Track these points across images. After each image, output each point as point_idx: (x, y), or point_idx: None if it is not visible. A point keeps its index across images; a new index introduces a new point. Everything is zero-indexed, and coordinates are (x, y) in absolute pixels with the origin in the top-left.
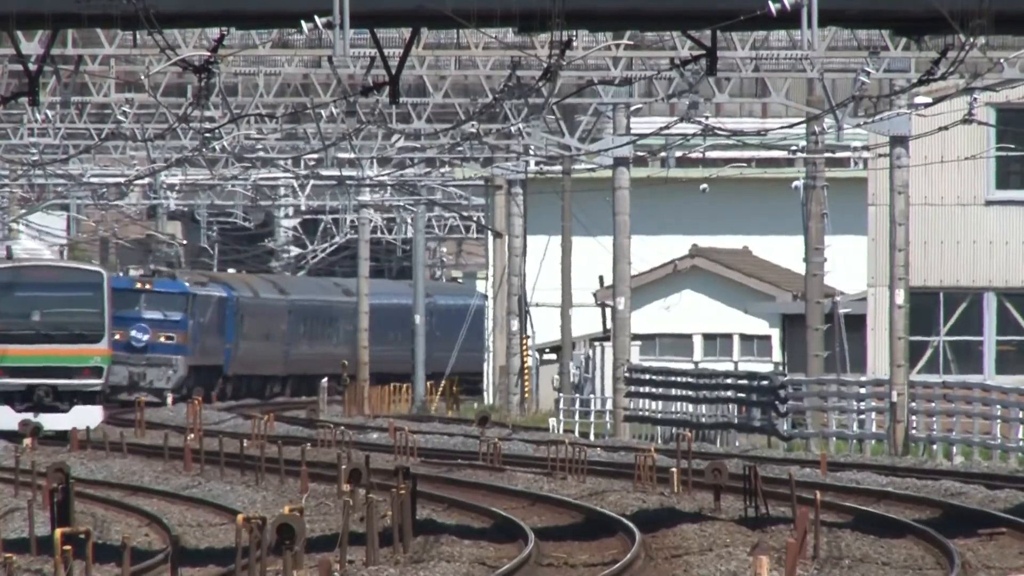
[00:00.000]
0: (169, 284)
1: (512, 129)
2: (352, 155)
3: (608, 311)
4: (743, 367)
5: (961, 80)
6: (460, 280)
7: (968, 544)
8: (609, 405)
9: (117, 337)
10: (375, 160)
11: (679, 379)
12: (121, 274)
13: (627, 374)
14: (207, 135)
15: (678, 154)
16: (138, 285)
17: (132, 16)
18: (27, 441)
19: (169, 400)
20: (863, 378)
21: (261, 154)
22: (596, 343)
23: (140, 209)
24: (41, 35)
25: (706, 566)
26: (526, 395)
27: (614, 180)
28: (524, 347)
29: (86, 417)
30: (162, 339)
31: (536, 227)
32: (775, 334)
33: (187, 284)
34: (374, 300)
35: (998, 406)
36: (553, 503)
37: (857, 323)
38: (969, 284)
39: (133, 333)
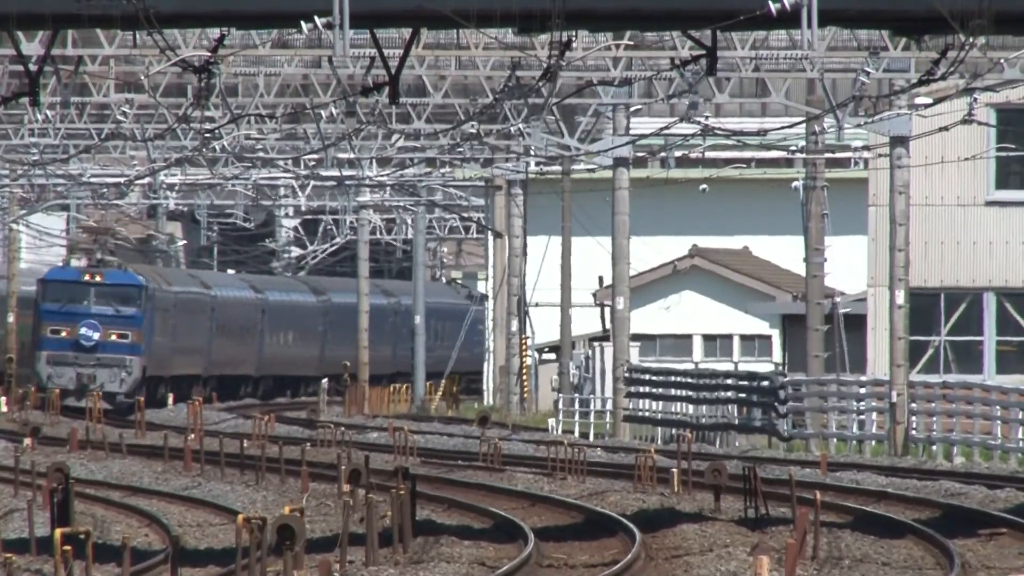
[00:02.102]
0: (121, 276)
1: (512, 129)
2: (352, 155)
3: (608, 311)
4: (743, 367)
5: (961, 80)
6: (459, 280)
7: (968, 544)
8: (609, 405)
9: (64, 334)
10: (375, 160)
11: (679, 379)
12: (60, 264)
13: (627, 374)
14: (207, 135)
15: (678, 154)
16: (86, 277)
17: (132, 16)
18: (27, 441)
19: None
20: (863, 378)
21: (261, 154)
22: (596, 343)
23: (140, 209)
24: (41, 35)
25: (706, 566)
26: (526, 395)
27: (614, 180)
28: (524, 347)
29: None
30: (114, 337)
31: (536, 227)
32: (775, 334)
33: (140, 276)
34: (228, 293)
35: (998, 406)
36: (553, 503)
37: (857, 323)
38: (969, 284)
39: (82, 330)
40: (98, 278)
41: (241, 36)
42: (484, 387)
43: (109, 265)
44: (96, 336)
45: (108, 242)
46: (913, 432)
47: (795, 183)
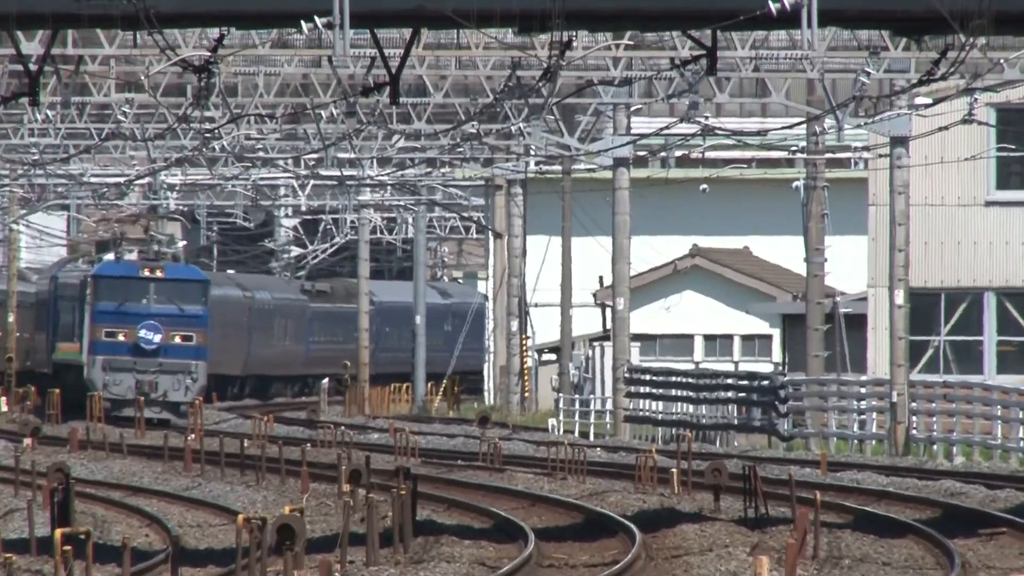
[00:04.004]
0: (183, 270)
1: (512, 129)
2: (352, 155)
3: (608, 311)
4: (743, 367)
5: (961, 80)
6: (460, 280)
7: (968, 544)
8: (609, 405)
9: (121, 337)
10: (375, 160)
11: (679, 379)
12: (112, 257)
13: (627, 374)
14: (207, 135)
15: (678, 154)
16: (145, 272)
17: (132, 16)
18: (27, 441)
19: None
20: (863, 378)
21: (261, 154)
22: (596, 343)
23: (140, 209)
24: (41, 35)
25: (706, 566)
26: (526, 395)
27: (614, 180)
28: (524, 347)
29: None
30: (177, 340)
31: (536, 227)
32: (775, 334)
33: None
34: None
35: (998, 406)
36: (553, 503)
37: (857, 323)
38: (969, 284)
39: (142, 333)
40: (158, 273)
41: (241, 36)
42: (485, 387)
43: (164, 257)
44: (157, 338)
45: (155, 235)
46: (913, 432)
47: (795, 183)
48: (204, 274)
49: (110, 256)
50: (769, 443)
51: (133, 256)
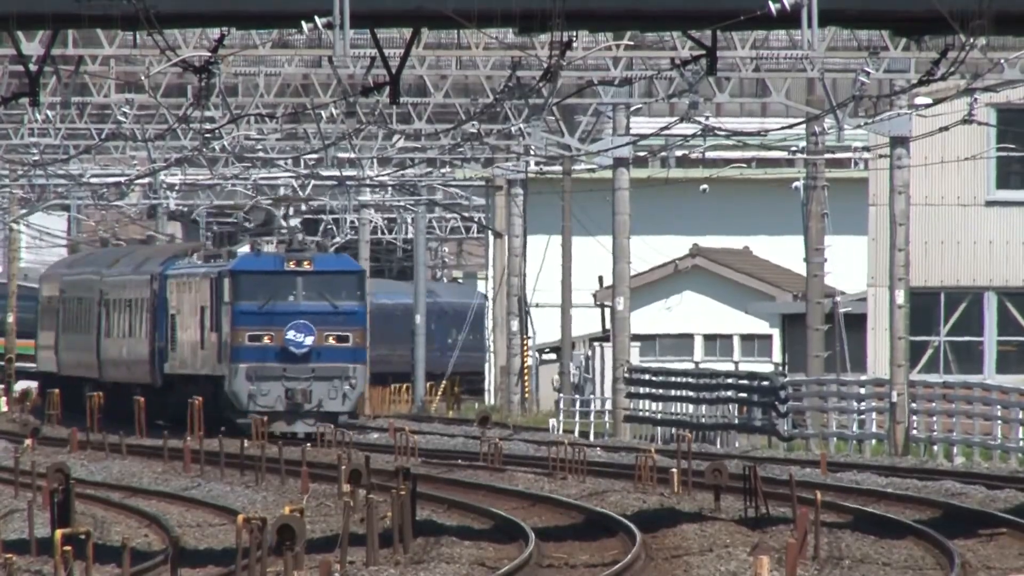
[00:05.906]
0: (334, 261)
1: (512, 129)
2: (352, 155)
3: (608, 311)
4: (743, 367)
5: (961, 80)
6: (460, 280)
7: (968, 544)
8: (609, 405)
9: (266, 341)
10: (375, 160)
11: (679, 379)
12: (247, 250)
13: (627, 374)
14: (207, 135)
15: (678, 154)
16: (292, 265)
17: (132, 16)
18: (27, 441)
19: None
20: (863, 378)
21: (261, 154)
22: (596, 343)
23: (140, 209)
24: (41, 35)
25: (706, 566)
26: (526, 395)
27: (614, 180)
28: (524, 347)
29: None
30: (331, 341)
31: (536, 227)
32: (775, 334)
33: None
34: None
35: (998, 406)
36: (553, 503)
37: (857, 323)
38: (969, 284)
39: (290, 335)
40: (306, 265)
41: (241, 36)
42: (485, 387)
43: (309, 247)
44: (309, 341)
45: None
46: (913, 432)
47: (795, 183)
48: (359, 264)
49: (244, 248)
50: (769, 443)
51: (273, 247)
